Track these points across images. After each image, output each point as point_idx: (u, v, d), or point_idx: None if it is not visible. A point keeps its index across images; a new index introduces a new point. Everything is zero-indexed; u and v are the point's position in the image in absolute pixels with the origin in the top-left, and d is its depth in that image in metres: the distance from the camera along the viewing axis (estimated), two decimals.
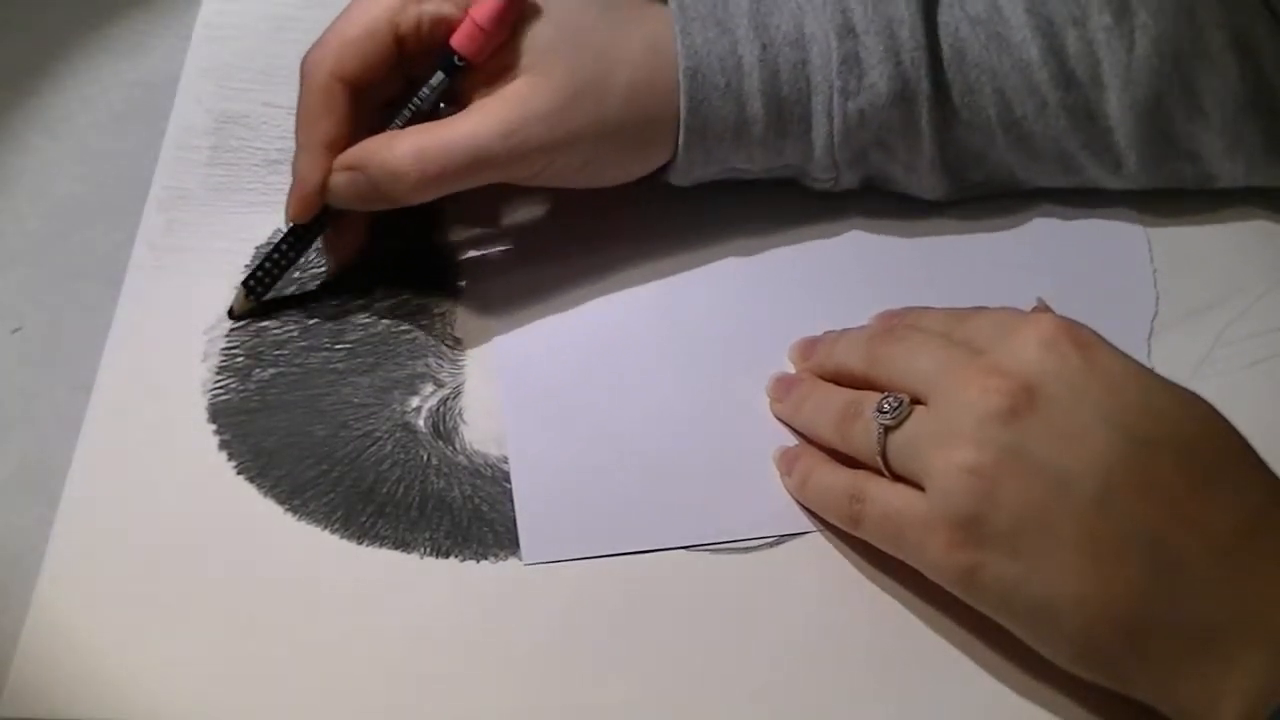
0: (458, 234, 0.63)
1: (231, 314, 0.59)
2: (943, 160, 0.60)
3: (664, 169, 0.60)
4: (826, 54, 0.58)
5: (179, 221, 0.63)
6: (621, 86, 0.57)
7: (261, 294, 0.59)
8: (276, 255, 0.59)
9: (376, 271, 0.61)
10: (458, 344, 0.59)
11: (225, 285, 0.60)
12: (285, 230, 0.59)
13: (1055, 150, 0.60)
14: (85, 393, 0.57)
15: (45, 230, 0.63)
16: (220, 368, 0.58)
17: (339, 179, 0.57)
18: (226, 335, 0.59)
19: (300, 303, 0.60)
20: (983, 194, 0.62)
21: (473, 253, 0.62)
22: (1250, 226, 0.62)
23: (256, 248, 0.61)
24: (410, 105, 0.58)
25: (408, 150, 0.56)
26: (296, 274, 0.61)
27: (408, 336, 0.59)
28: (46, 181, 0.65)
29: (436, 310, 0.60)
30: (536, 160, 0.57)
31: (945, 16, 0.59)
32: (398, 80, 0.58)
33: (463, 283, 0.61)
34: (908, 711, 0.50)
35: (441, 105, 0.59)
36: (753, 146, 0.59)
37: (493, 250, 0.62)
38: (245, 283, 0.59)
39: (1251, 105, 0.59)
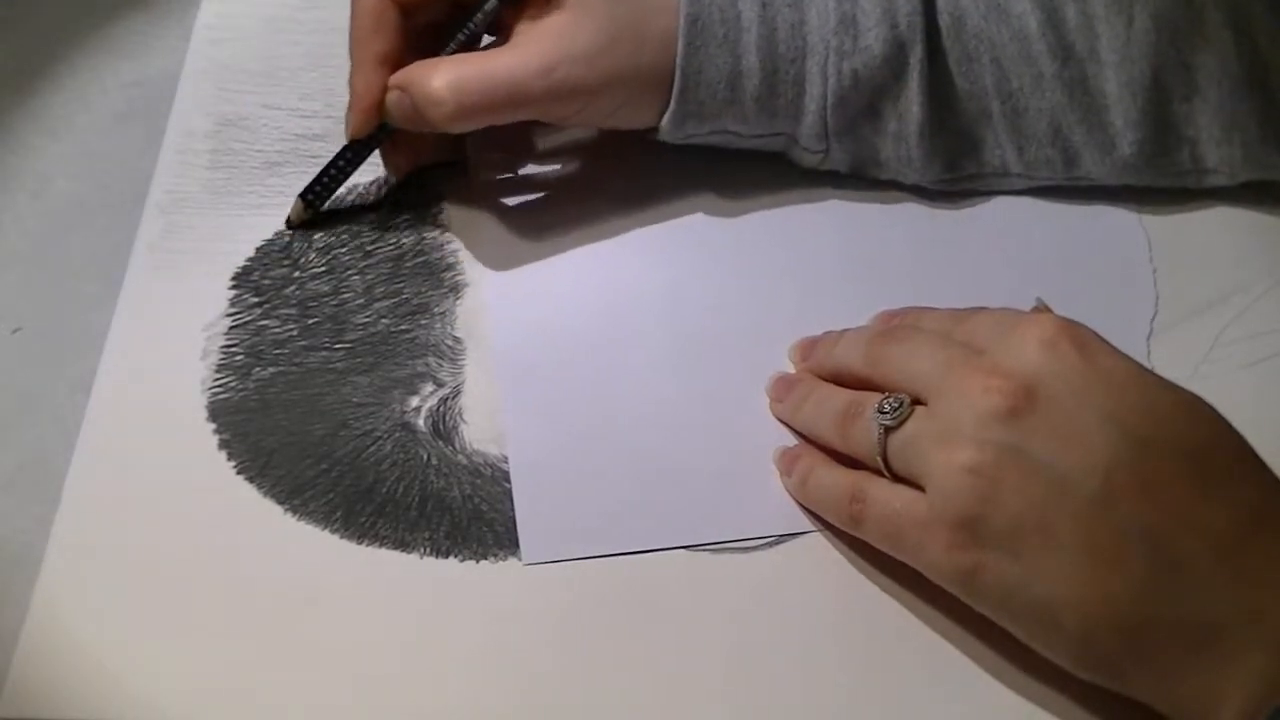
0: (458, 232, 0.63)
1: (289, 223, 0.61)
2: (932, 133, 0.60)
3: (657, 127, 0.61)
4: (824, 15, 0.59)
5: (178, 224, 0.63)
6: (658, 31, 0.58)
7: (319, 205, 0.61)
8: (333, 169, 0.61)
9: (376, 272, 0.61)
10: (458, 344, 0.59)
11: (225, 284, 0.60)
12: (344, 145, 0.61)
13: (1050, 128, 0.60)
14: (85, 393, 0.57)
15: (45, 230, 0.63)
16: (220, 366, 0.58)
17: (390, 97, 0.58)
18: (225, 334, 0.59)
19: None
20: (974, 189, 0.62)
21: (474, 252, 0.62)
22: (1250, 226, 0.62)
23: (257, 248, 0.62)
24: (462, 31, 0.59)
25: (446, 79, 0.57)
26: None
27: (407, 336, 0.59)
28: (46, 181, 0.65)
29: (436, 310, 0.60)
30: (573, 100, 0.58)
31: None
32: (445, 5, 0.59)
33: (463, 282, 0.61)
34: (908, 711, 0.50)
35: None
36: (746, 104, 0.59)
37: (494, 250, 0.62)
38: (303, 194, 0.61)
39: (1247, 85, 0.59)
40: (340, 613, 0.52)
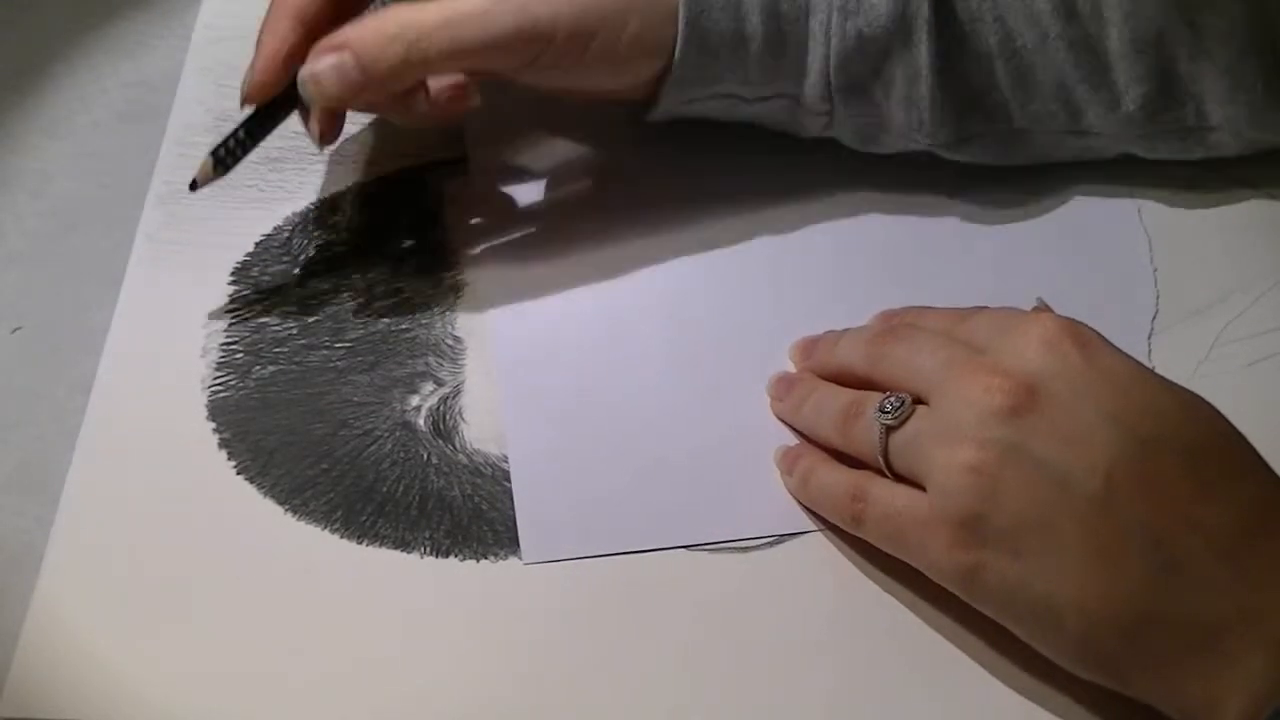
0: (458, 233, 0.63)
1: (193, 185, 0.57)
2: (942, 95, 0.59)
3: (649, 107, 0.59)
4: None
5: (178, 216, 0.63)
6: None
7: (229, 166, 0.57)
8: (242, 133, 0.57)
9: (377, 271, 0.61)
10: (458, 343, 0.59)
11: (224, 281, 0.61)
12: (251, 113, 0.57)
13: (1054, 84, 0.60)
14: (85, 393, 0.57)
15: (45, 230, 0.63)
16: (219, 364, 0.58)
17: (324, 65, 0.54)
18: (225, 331, 0.59)
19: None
20: (979, 157, 0.61)
21: (474, 252, 0.62)
22: (1250, 226, 0.62)
23: (256, 243, 0.62)
24: None
25: (400, 22, 0.54)
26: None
27: (407, 335, 0.59)
28: (46, 181, 0.65)
29: (436, 310, 0.60)
30: (533, 43, 0.55)
31: None
32: None
33: (463, 282, 0.61)
34: (908, 711, 0.50)
35: None
36: (749, 65, 0.58)
37: (494, 250, 0.62)
38: (214, 152, 0.57)
39: (1254, 45, 0.59)
40: (340, 613, 0.52)
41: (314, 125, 0.58)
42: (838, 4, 0.58)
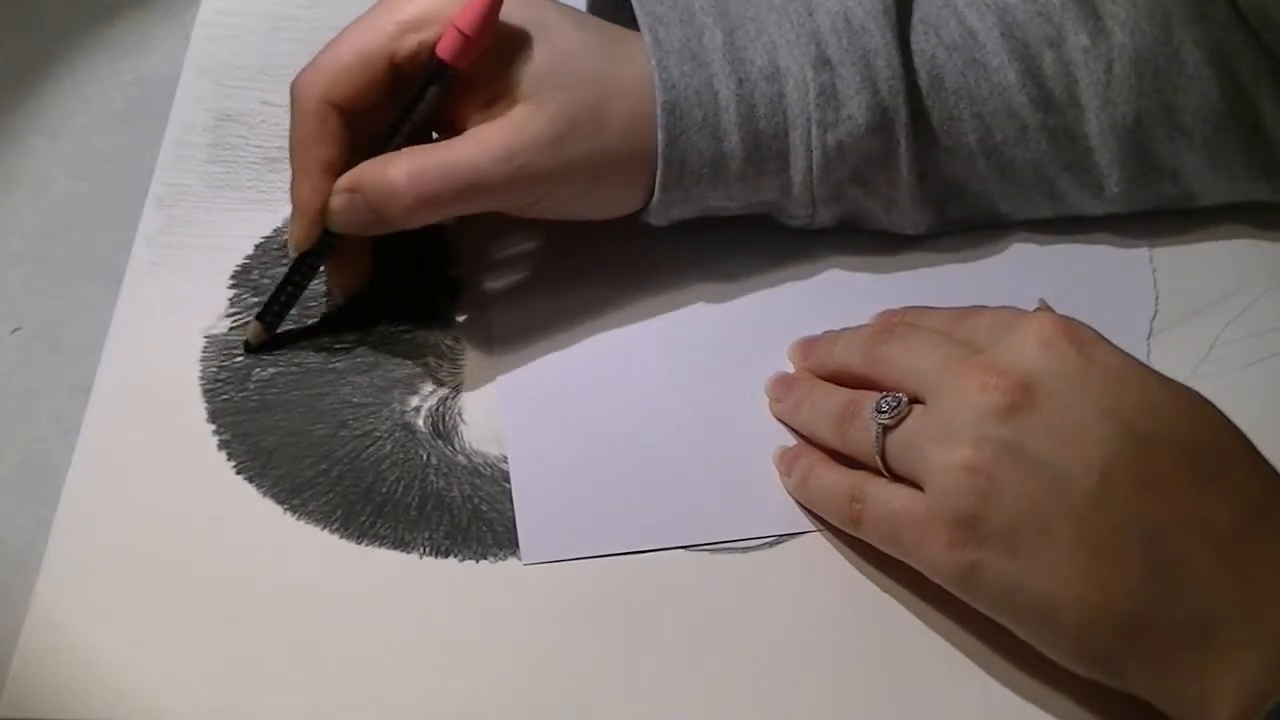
0: (458, 233, 0.62)
1: (248, 346, 0.58)
2: (921, 191, 0.60)
3: (641, 210, 0.59)
4: (803, 87, 0.57)
5: (178, 219, 0.63)
6: (619, 116, 0.56)
7: (274, 324, 0.58)
8: (288, 285, 0.58)
9: (377, 272, 0.61)
10: (457, 343, 0.59)
11: (224, 283, 0.61)
12: (293, 260, 0.58)
13: (1036, 175, 0.60)
14: (85, 393, 0.57)
15: (45, 230, 0.63)
16: (219, 366, 0.58)
17: (337, 201, 0.56)
18: (225, 335, 0.59)
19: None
20: (963, 229, 0.62)
21: (473, 252, 0.62)
22: (1250, 227, 0.62)
23: (256, 245, 0.62)
24: (405, 123, 0.56)
25: (404, 172, 0.55)
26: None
27: (407, 336, 0.59)
28: (46, 181, 0.65)
29: (436, 310, 0.60)
30: (534, 189, 0.56)
31: (921, 44, 0.59)
32: (391, 105, 0.57)
33: (463, 282, 0.61)
34: (907, 711, 0.50)
35: (435, 136, 0.58)
36: (731, 183, 0.58)
37: (493, 250, 0.62)
38: (259, 315, 0.58)
39: (1231, 120, 0.59)
40: (340, 613, 0.52)
41: (337, 284, 0.60)
42: (816, 117, 0.57)
